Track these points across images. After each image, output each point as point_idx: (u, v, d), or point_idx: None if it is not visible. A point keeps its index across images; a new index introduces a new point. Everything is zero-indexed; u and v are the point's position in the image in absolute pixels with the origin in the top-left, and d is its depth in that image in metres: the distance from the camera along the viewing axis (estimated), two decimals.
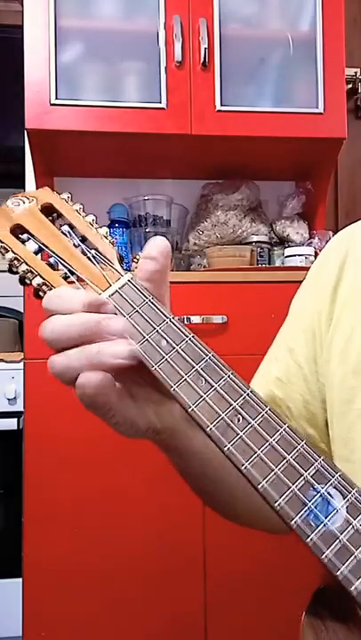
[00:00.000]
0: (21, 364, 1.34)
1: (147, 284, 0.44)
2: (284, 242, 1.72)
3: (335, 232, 0.65)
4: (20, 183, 1.60)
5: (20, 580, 1.31)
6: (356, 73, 2.03)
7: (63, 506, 1.33)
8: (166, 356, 0.42)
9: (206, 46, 1.46)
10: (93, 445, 1.30)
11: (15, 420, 1.58)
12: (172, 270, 1.58)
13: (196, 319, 1.36)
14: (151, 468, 1.28)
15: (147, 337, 0.42)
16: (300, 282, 0.66)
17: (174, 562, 1.35)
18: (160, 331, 0.42)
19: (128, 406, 0.44)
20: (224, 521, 0.62)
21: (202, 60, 1.47)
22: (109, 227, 1.67)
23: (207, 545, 1.35)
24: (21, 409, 1.35)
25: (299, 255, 1.58)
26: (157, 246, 0.44)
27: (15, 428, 1.58)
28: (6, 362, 1.64)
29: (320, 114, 1.52)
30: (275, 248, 1.69)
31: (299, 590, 1.14)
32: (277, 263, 1.67)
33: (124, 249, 1.65)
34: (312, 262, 1.52)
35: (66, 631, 1.32)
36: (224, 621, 1.36)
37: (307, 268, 0.67)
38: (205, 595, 1.35)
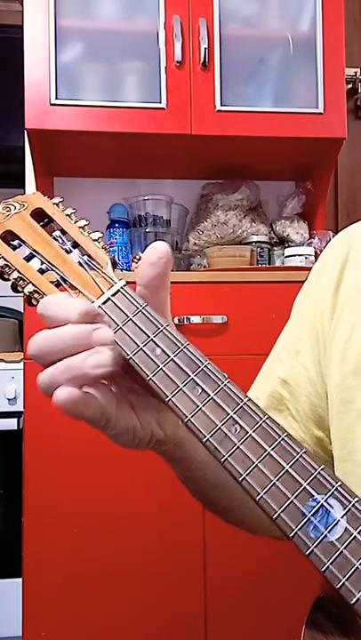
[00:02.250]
0: (21, 363, 1.35)
1: (145, 291, 0.43)
2: (284, 242, 1.72)
3: (335, 232, 0.66)
4: (20, 183, 1.60)
5: (20, 579, 1.31)
6: (356, 73, 2.03)
7: (63, 506, 1.33)
8: (161, 366, 0.41)
9: (206, 46, 1.46)
10: (93, 445, 1.30)
11: (15, 420, 1.58)
12: (172, 270, 1.58)
13: (196, 319, 1.35)
14: (151, 468, 1.28)
15: (140, 346, 0.41)
16: (301, 282, 0.66)
17: (174, 562, 1.35)
18: (154, 339, 0.41)
19: (128, 416, 0.43)
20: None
21: (202, 60, 1.47)
22: (109, 227, 1.67)
23: (207, 545, 1.35)
24: (21, 409, 1.35)
25: (299, 255, 1.58)
26: (156, 251, 0.42)
27: (15, 427, 1.57)
28: (6, 362, 1.64)
29: (320, 114, 1.52)
30: (275, 248, 1.69)
31: (299, 590, 1.14)
32: (277, 263, 1.67)
33: (124, 249, 1.65)
34: (312, 262, 1.53)
35: (66, 631, 1.32)
36: (224, 622, 1.36)
37: (307, 268, 0.67)
38: (205, 595, 1.35)
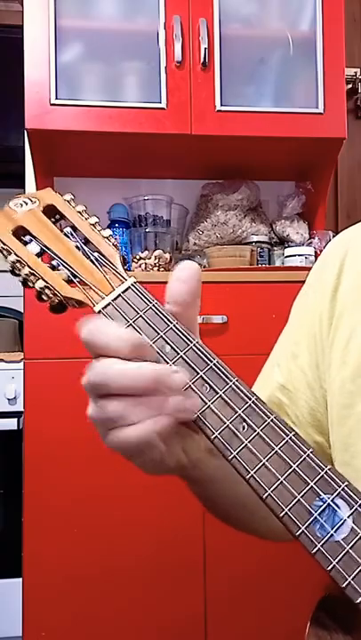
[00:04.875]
0: (21, 363, 1.34)
1: (175, 308, 0.42)
2: (284, 242, 1.72)
3: (335, 232, 0.65)
4: (20, 183, 1.60)
5: (20, 579, 1.31)
6: (356, 73, 2.03)
7: (63, 506, 1.33)
8: (170, 362, 0.41)
9: (206, 46, 1.46)
10: (93, 445, 1.29)
11: (15, 419, 1.58)
12: (172, 270, 1.58)
13: None
14: None
15: (151, 343, 0.41)
16: (301, 282, 0.65)
17: (174, 562, 1.35)
18: (164, 336, 0.41)
19: (158, 445, 0.42)
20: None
21: (202, 60, 1.47)
22: (109, 227, 1.67)
23: (207, 546, 1.35)
24: (21, 409, 1.35)
25: (299, 255, 1.58)
26: (188, 270, 0.42)
27: (15, 428, 1.57)
28: (6, 362, 1.64)
29: (320, 114, 1.52)
30: (275, 248, 1.69)
31: (300, 592, 1.14)
32: (277, 263, 1.67)
33: (124, 249, 1.65)
34: (312, 262, 1.52)
35: (66, 631, 1.32)
36: (224, 622, 1.36)
37: (307, 268, 0.67)
38: (205, 595, 1.35)
